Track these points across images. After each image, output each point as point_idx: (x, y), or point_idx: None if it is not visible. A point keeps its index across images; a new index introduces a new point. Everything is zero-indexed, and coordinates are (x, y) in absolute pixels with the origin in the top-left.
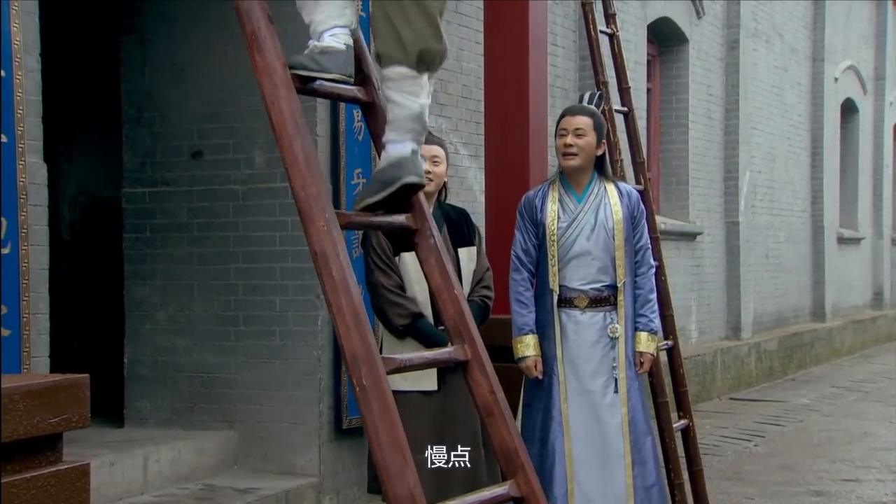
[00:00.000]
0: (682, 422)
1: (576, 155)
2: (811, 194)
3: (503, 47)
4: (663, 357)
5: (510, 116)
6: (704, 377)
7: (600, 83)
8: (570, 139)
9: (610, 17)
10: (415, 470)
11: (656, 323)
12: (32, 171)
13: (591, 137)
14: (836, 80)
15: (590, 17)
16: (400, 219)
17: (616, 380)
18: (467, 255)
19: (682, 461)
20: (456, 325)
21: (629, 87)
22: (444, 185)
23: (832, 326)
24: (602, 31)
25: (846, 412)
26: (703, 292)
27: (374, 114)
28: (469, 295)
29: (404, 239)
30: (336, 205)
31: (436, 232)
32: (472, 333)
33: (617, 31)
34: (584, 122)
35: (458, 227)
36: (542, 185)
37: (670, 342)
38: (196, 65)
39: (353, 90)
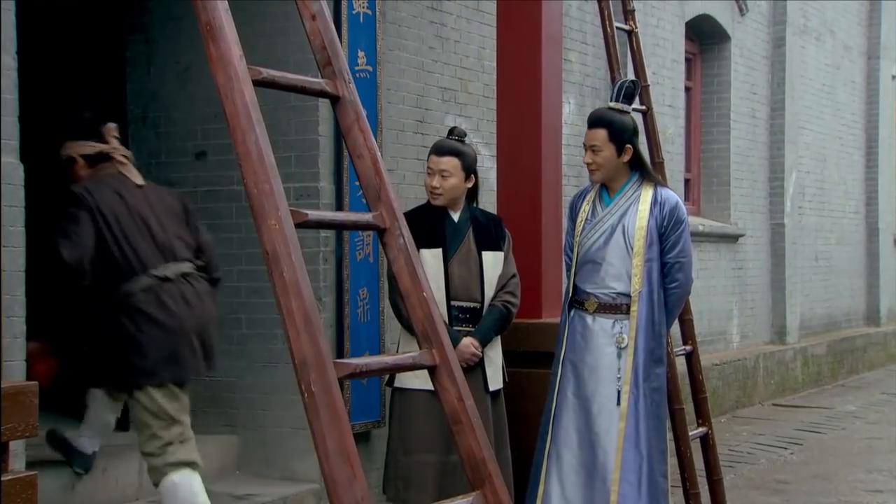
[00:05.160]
0: (700, 429)
1: (595, 171)
2: (865, 195)
3: (516, 46)
4: (681, 363)
5: (523, 116)
6: (745, 382)
7: (615, 81)
8: (587, 157)
9: (628, 14)
10: (364, 481)
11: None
12: (8, 171)
13: (607, 151)
14: (893, 77)
15: (605, 12)
16: (367, 217)
17: (619, 391)
18: (493, 259)
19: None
20: (425, 328)
21: (648, 85)
22: (476, 189)
23: (887, 331)
24: (619, 27)
25: (892, 420)
26: (746, 295)
27: (343, 108)
28: (492, 299)
29: (424, 235)
30: (339, 205)
31: (406, 231)
32: (442, 338)
33: (636, 27)
34: (598, 136)
35: (486, 231)
36: (588, 184)
37: (689, 347)
38: (201, 64)
39: (320, 83)
